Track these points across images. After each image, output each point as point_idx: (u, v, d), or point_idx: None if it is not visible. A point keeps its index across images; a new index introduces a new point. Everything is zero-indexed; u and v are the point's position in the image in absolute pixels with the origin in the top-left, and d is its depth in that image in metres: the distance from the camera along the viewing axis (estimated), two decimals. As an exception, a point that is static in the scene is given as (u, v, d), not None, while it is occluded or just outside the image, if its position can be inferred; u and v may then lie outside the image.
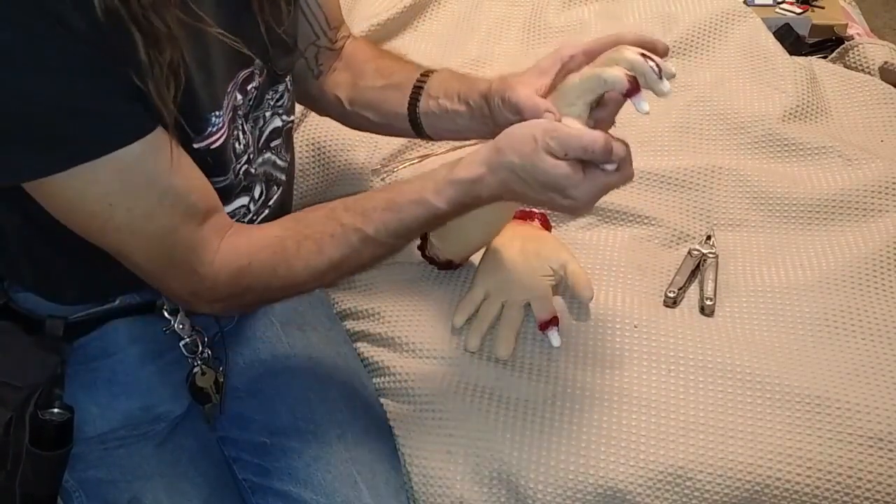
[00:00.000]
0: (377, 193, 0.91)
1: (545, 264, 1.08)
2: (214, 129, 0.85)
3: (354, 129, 1.18)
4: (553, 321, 1.05)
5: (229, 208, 0.93)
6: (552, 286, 1.08)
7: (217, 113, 0.85)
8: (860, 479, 0.94)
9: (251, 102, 0.93)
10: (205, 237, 0.85)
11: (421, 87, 1.07)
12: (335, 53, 1.13)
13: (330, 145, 1.33)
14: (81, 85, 0.72)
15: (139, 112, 0.76)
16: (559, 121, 0.86)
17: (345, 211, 0.88)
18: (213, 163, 0.87)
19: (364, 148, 1.33)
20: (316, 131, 1.35)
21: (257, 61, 0.92)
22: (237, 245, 0.87)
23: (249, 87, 0.92)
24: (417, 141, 1.33)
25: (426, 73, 1.08)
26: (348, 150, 1.32)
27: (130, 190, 0.78)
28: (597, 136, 0.80)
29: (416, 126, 1.08)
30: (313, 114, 1.38)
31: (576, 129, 0.83)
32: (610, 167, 0.81)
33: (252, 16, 0.90)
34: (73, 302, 0.92)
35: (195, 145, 0.85)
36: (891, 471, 0.95)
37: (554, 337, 1.05)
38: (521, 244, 1.11)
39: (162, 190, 0.80)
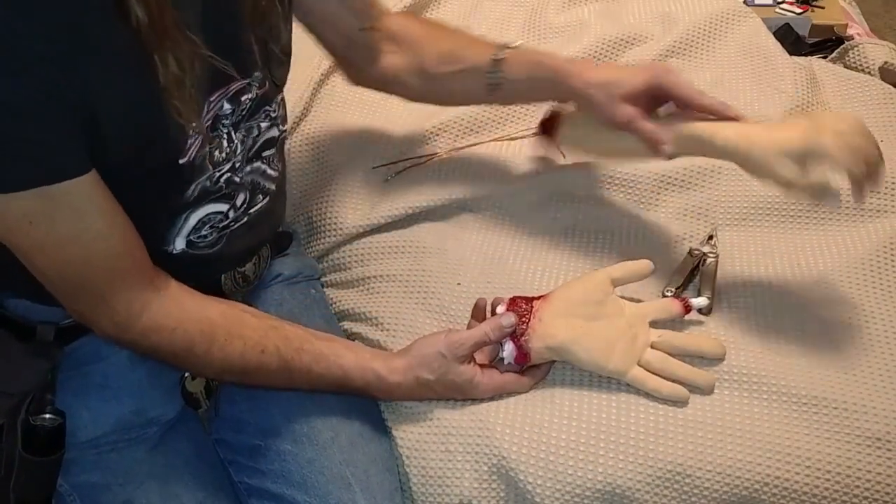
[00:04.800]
0: (317, 340, 0.98)
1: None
2: (193, 141, 0.85)
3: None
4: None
5: (203, 212, 0.93)
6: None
7: (195, 125, 0.85)
8: (858, 478, 0.94)
9: (244, 112, 0.93)
10: (128, 277, 0.87)
11: (497, 73, 1.12)
12: (382, 35, 1.15)
13: (328, 144, 1.33)
14: (16, 119, 0.71)
15: (75, 154, 0.77)
16: None
17: (283, 338, 0.95)
18: (187, 174, 0.88)
19: (364, 148, 1.33)
20: (314, 130, 1.35)
21: (256, 73, 0.91)
22: (175, 305, 0.91)
23: (244, 98, 0.91)
24: (420, 141, 1.33)
25: (498, 59, 1.12)
26: (346, 150, 1.32)
27: (53, 218, 0.78)
28: (483, 328, 0.98)
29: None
30: (311, 114, 1.39)
31: (466, 333, 0.99)
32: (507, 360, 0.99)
33: (248, 33, 0.90)
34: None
35: (181, 160, 0.85)
36: (889, 470, 0.94)
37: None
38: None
39: (86, 225, 0.81)
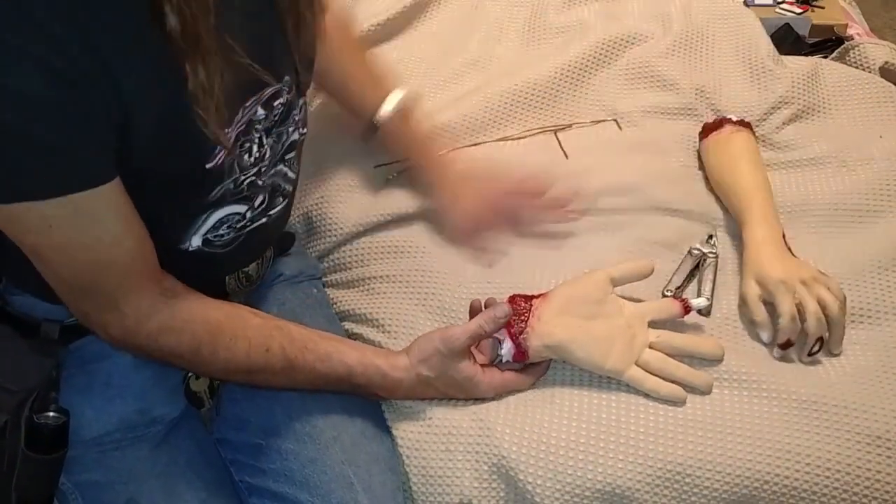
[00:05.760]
0: (321, 340, 0.98)
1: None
2: (221, 148, 0.85)
3: None
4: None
5: (222, 213, 0.93)
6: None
7: (226, 130, 0.85)
8: (858, 476, 0.94)
9: (276, 118, 0.93)
10: (139, 280, 0.87)
11: (369, 138, 1.22)
12: None
13: (328, 143, 1.33)
14: (50, 124, 0.71)
15: (104, 161, 0.77)
16: None
17: (288, 338, 0.95)
18: (214, 178, 0.88)
19: (364, 147, 1.32)
20: (314, 129, 1.34)
21: (286, 78, 0.92)
22: (181, 308, 0.90)
23: (276, 104, 0.92)
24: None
25: (374, 126, 1.20)
26: (347, 149, 1.32)
27: (73, 222, 0.78)
28: (477, 320, 0.98)
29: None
30: (314, 111, 1.38)
31: (461, 327, 0.98)
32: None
33: (284, 35, 0.91)
34: None
35: (207, 165, 0.85)
36: (889, 468, 0.94)
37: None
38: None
39: (105, 230, 0.81)
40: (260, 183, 0.96)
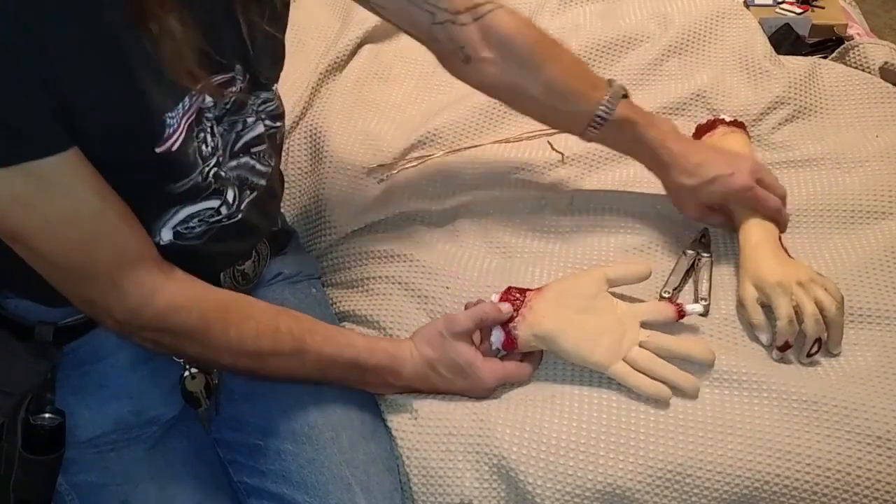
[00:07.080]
0: (323, 325, 1.00)
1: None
2: (171, 131, 0.84)
3: None
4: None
5: (195, 208, 0.93)
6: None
7: (170, 114, 0.84)
8: (859, 475, 0.94)
9: (227, 106, 0.92)
10: (132, 255, 0.86)
11: (596, 129, 1.13)
12: (472, 32, 1.09)
13: (326, 145, 1.33)
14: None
15: (56, 128, 0.76)
16: None
17: (294, 319, 0.97)
18: (174, 167, 0.87)
19: (361, 149, 1.33)
20: (312, 131, 1.35)
21: (238, 66, 0.91)
22: (186, 287, 0.90)
23: (226, 92, 0.91)
24: (417, 142, 1.34)
25: (602, 118, 1.12)
26: (345, 150, 1.32)
27: (44, 197, 0.78)
28: (481, 306, 1.00)
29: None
30: (310, 115, 1.39)
31: (464, 312, 1.01)
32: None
33: (234, 21, 0.89)
34: (66, 304, 0.91)
35: (157, 150, 0.84)
36: (889, 469, 0.94)
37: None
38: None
39: (80, 201, 0.80)
40: (223, 174, 0.95)
